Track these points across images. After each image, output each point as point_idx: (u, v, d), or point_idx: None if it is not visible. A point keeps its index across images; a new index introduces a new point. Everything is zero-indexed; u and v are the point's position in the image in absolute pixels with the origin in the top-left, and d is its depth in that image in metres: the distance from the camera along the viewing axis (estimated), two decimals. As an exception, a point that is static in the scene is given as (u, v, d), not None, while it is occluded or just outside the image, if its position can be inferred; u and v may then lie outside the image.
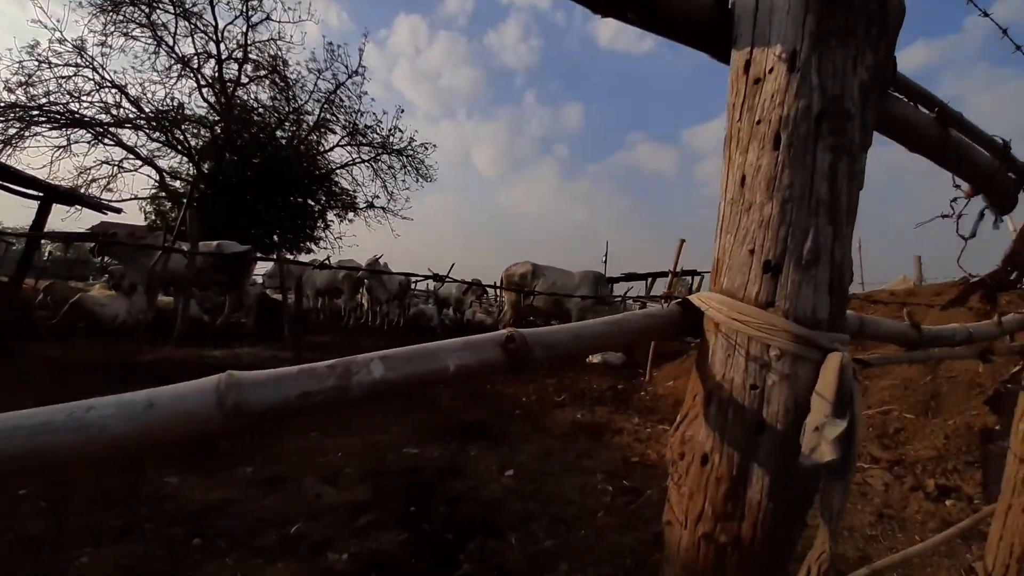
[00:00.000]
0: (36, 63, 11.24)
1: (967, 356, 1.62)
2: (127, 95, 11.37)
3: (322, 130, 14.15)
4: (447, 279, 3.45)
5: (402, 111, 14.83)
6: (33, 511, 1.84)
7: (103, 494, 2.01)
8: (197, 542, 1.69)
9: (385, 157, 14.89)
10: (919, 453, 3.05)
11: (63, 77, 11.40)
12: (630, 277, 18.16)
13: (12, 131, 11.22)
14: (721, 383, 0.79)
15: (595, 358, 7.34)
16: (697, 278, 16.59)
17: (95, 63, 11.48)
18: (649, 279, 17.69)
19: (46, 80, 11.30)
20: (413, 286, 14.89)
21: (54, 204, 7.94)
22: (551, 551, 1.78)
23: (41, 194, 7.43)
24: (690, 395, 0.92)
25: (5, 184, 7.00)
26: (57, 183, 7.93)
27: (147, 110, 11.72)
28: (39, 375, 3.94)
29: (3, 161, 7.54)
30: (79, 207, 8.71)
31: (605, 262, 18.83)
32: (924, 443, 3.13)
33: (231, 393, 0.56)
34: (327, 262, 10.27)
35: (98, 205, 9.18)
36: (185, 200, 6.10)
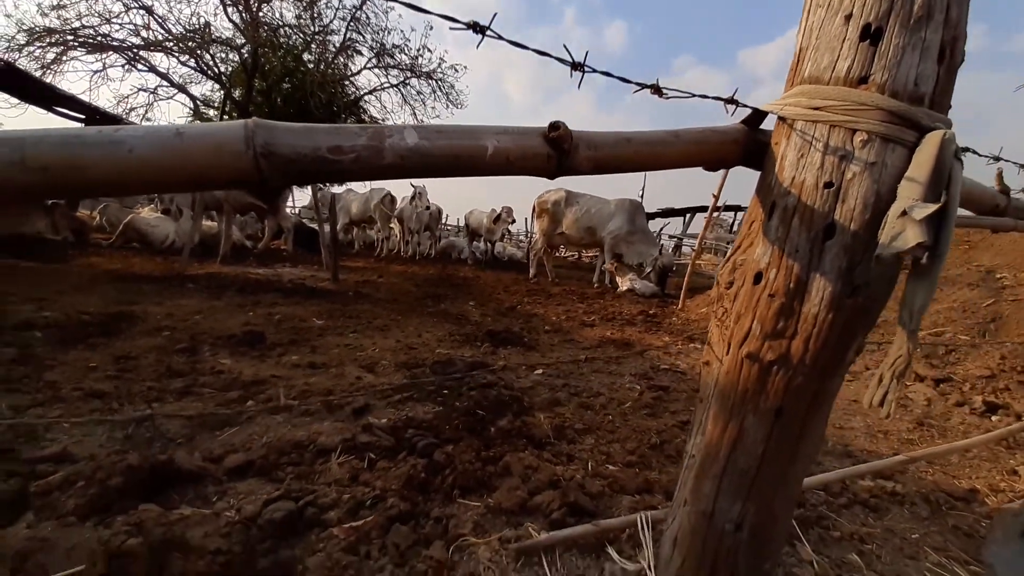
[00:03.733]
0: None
1: (1059, 234, 1.46)
2: (154, 15, 11.14)
3: (349, 52, 13.58)
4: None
5: (431, 28, 13.89)
6: (103, 377, 2.02)
7: (165, 368, 2.18)
8: (251, 404, 1.83)
9: (414, 81, 14.26)
10: (969, 372, 2.90)
11: (92, -1, 11.23)
12: (667, 213, 17.50)
13: (50, 56, 11.33)
14: (789, 190, 0.71)
15: (624, 286, 7.26)
16: (740, 213, 15.82)
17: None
18: (687, 215, 17.03)
19: (76, 2, 11.18)
20: (444, 219, 14.87)
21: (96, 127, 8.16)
22: (578, 428, 1.84)
23: (83, 116, 7.63)
24: (746, 225, 0.84)
25: (49, 106, 7.19)
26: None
27: (175, 31, 11.52)
28: (102, 282, 4.23)
29: (47, 81, 7.68)
30: (121, 131, 8.94)
31: (642, 196, 18.12)
32: (977, 363, 2.98)
33: (260, 132, 0.52)
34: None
35: (138, 129, 9.38)
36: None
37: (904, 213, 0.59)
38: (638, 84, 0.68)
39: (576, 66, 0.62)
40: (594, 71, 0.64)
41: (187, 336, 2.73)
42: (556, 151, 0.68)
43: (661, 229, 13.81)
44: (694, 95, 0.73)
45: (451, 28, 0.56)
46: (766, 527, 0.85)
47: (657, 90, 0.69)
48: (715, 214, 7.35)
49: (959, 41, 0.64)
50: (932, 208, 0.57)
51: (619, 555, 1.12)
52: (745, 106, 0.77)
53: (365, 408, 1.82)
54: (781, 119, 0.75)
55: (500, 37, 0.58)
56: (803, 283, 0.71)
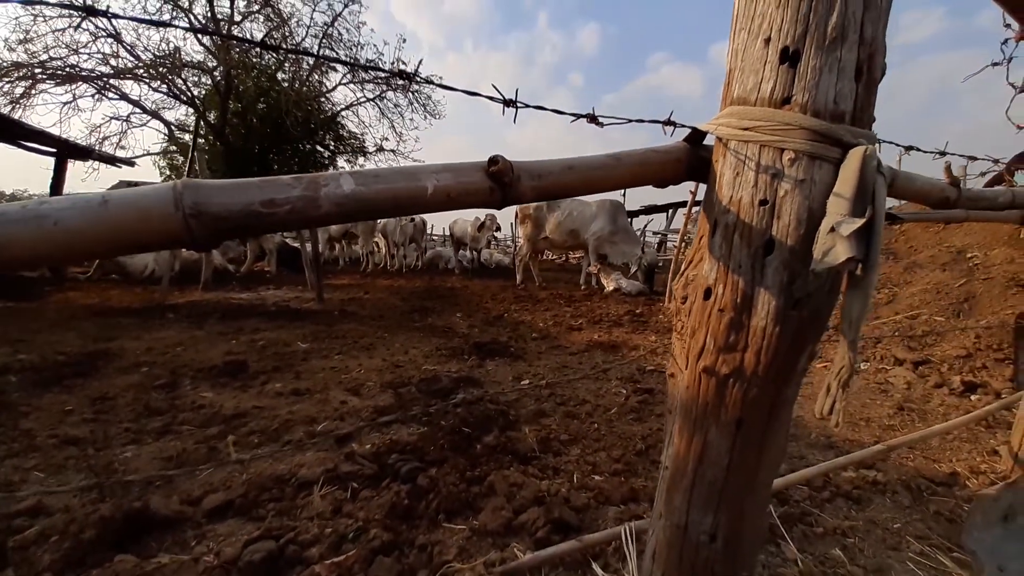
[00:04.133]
0: (32, 18, 10.93)
1: (1008, 220, 1.50)
2: (122, 42, 11.04)
3: (322, 69, 13.59)
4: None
5: (404, 40, 13.97)
6: (79, 421, 1.98)
7: (142, 407, 2.14)
8: (232, 438, 1.81)
9: (390, 94, 14.31)
10: (946, 353, 2.97)
11: (59, 30, 11.11)
12: (650, 210, 17.62)
13: (19, 90, 11.17)
14: (728, 208, 0.73)
15: (611, 286, 7.31)
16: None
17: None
18: (669, 211, 17.18)
19: (43, 35, 11.06)
20: (429, 229, 14.85)
21: (69, 161, 8.04)
22: (564, 439, 1.84)
23: (55, 150, 7.52)
24: (697, 238, 0.86)
25: (19, 141, 7.06)
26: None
27: (144, 57, 11.43)
28: (80, 318, 4.15)
29: (13, 117, 7.54)
30: (95, 162, 8.82)
31: (624, 195, 18.27)
32: (953, 344, 3.04)
33: (188, 193, 0.52)
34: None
35: (112, 159, 9.26)
36: (192, 147, 6.08)
37: (833, 229, 0.61)
38: (574, 115, 0.69)
39: (508, 103, 0.63)
40: (527, 106, 0.65)
41: (167, 371, 2.69)
42: (498, 184, 0.69)
43: (645, 226, 13.90)
44: (630, 120, 0.74)
45: (488, 98, 0.57)
46: (739, 536, 0.86)
47: (593, 119, 0.71)
48: (693, 208, 7.44)
49: (876, 57, 0.67)
50: (858, 223, 0.59)
51: (604, 570, 1.12)
52: (684, 126, 0.79)
53: (349, 436, 1.80)
54: (718, 139, 0.76)
55: (429, 82, 0.58)
56: (749, 298, 0.72)
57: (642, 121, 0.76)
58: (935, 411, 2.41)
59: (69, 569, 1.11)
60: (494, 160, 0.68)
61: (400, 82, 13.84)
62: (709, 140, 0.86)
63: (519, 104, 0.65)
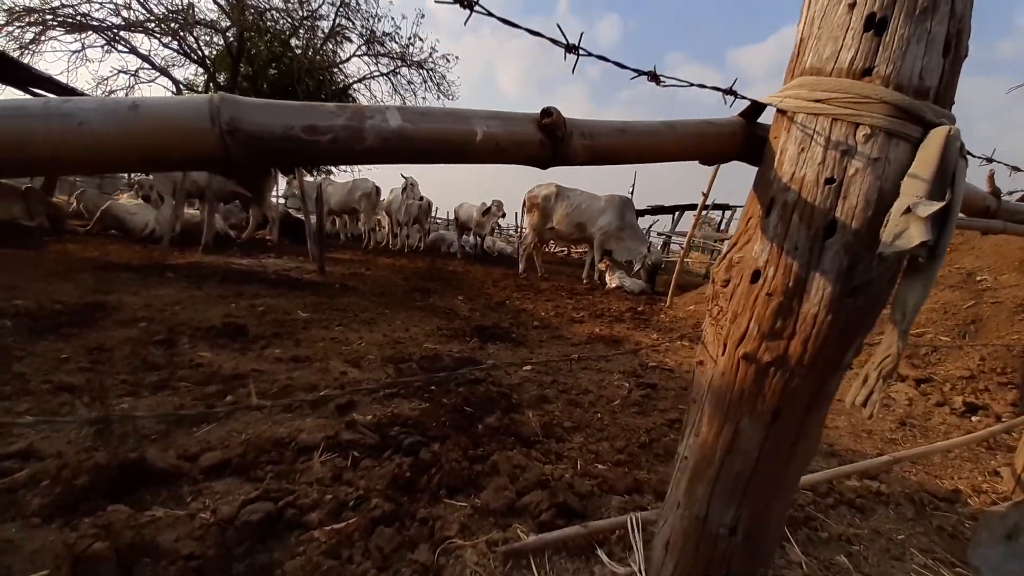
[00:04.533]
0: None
1: (1047, 237, 1.46)
2: (135, -6, 10.78)
3: (338, 38, 13.31)
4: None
5: (422, 16, 13.63)
6: (74, 369, 1.94)
7: (140, 361, 2.10)
8: (230, 398, 1.77)
9: (404, 71, 14.06)
10: (949, 373, 2.95)
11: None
12: (656, 211, 17.57)
13: (29, 36, 10.93)
14: (788, 185, 0.68)
15: (613, 283, 7.27)
16: (729, 212, 15.96)
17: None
18: (676, 213, 17.12)
19: (56, -20, 10.81)
20: (434, 212, 14.73)
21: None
22: (567, 426, 1.81)
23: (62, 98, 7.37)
24: (743, 221, 0.82)
25: (27, 87, 6.92)
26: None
27: (156, 11, 11.16)
28: (78, 270, 4.09)
29: (23, 62, 7.37)
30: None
31: (632, 193, 18.18)
32: (957, 364, 3.03)
33: (226, 107, 0.48)
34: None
35: (118, 114, 9.10)
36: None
37: (908, 210, 0.57)
38: (635, 71, 0.65)
39: (570, 48, 0.59)
40: (589, 54, 0.60)
41: (165, 328, 2.65)
42: (549, 138, 0.65)
43: (650, 226, 13.85)
44: (692, 84, 0.70)
45: (436, 1, 0.52)
46: (760, 531, 0.83)
47: (654, 77, 0.66)
48: (703, 212, 7.39)
49: (963, 34, 0.62)
50: (937, 206, 0.55)
51: (609, 558, 1.10)
52: (744, 98, 0.74)
53: (349, 404, 1.77)
54: (781, 112, 0.72)
55: (490, 14, 0.54)
56: (802, 282, 0.68)
57: (703, 87, 0.71)
58: (936, 428, 2.39)
59: (59, 514, 1.08)
60: (547, 112, 0.63)
61: (417, 59, 13.59)
62: (765, 119, 0.82)
63: (581, 51, 0.60)
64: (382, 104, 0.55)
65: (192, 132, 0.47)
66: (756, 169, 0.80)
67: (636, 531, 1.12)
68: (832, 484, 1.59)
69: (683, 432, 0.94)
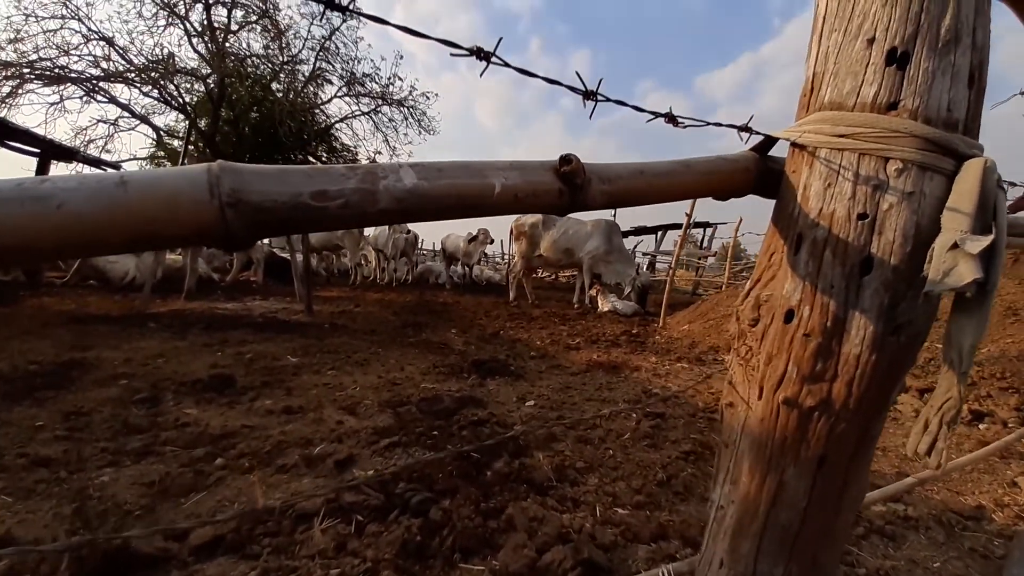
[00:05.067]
0: (23, 17, 10.75)
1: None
2: (115, 46, 10.87)
3: (318, 80, 13.55)
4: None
5: (401, 57, 14.14)
6: (50, 438, 1.81)
7: (121, 424, 1.98)
8: (219, 462, 1.66)
9: (385, 109, 14.31)
10: (951, 381, 2.95)
11: (50, 31, 10.93)
12: (640, 231, 17.84)
13: (6, 89, 10.90)
14: (817, 221, 0.66)
15: (605, 307, 7.26)
16: (710, 229, 16.26)
17: (80, 13, 10.96)
18: (659, 232, 17.40)
19: (34, 35, 10.87)
20: (419, 244, 14.72)
21: (52, 162, 7.78)
22: (579, 467, 1.73)
23: (38, 150, 7.27)
24: (764, 256, 0.79)
25: (3, 140, 6.82)
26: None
27: (136, 62, 11.25)
28: (55, 325, 3.92)
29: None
30: (78, 163, 8.55)
31: (614, 215, 18.47)
32: (956, 371, 3.03)
33: (227, 177, 0.43)
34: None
35: (97, 162, 9.01)
36: (183, 155, 5.92)
37: (955, 246, 0.54)
38: (652, 113, 0.63)
39: (588, 95, 0.56)
40: (607, 99, 0.58)
41: (147, 384, 2.51)
42: (568, 186, 0.61)
43: (635, 247, 14.01)
44: (707, 123, 0.68)
45: (452, 54, 0.49)
46: (810, 588, 0.77)
47: (672, 119, 0.64)
48: (687, 231, 7.51)
49: (985, 65, 0.61)
50: (987, 241, 0.53)
51: (642, 619, 1.01)
52: (759, 133, 0.73)
53: (349, 459, 1.67)
54: (799, 147, 0.70)
55: (506, 64, 0.51)
56: (841, 321, 0.65)
57: (719, 125, 0.69)
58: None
59: (33, 616, 0.96)
60: (567, 159, 0.60)
61: (397, 97, 13.83)
62: (777, 152, 0.80)
63: (600, 97, 0.57)
64: (393, 163, 0.52)
65: (188, 207, 0.42)
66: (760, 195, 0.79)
67: (670, 587, 1.04)
68: (860, 512, 1.53)
69: (715, 477, 0.88)
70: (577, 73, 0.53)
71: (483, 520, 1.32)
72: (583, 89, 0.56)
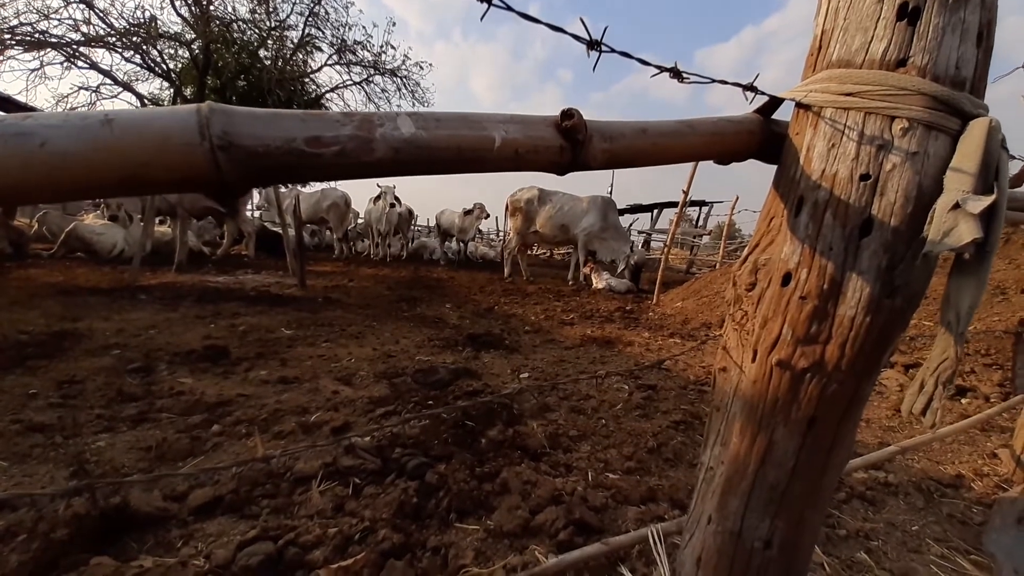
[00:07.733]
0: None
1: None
2: (94, 8, 10.37)
3: (308, 48, 13.09)
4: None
5: (393, 24, 13.53)
6: (44, 405, 1.81)
7: (115, 391, 1.98)
8: (216, 428, 1.67)
9: (378, 79, 13.92)
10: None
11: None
12: (635, 209, 17.77)
13: (-16, 55, 10.45)
14: (819, 183, 0.65)
15: (599, 284, 7.29)
16: (705, 208, 16.22)
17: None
18: (655, 211, 17.34)
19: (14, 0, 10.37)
20: (414, 220, 14.58)
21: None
22: (572, 435, 1.77)
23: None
24: (764, 221, 0.79)
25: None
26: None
27: (117, 25, 10.77)
28: (43, 296, 3.87)
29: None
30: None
31: (610, 193, 18.37)
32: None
33: (217, 119, 0.42)
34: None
35: (79, 131, 8.72)
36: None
37: (956, 206, 0.54)
38: (657, 67, 0.61)
39: (592, 45, 0.54)
40: (612, 51, 0.56)
41: (140, 354, 2.51)
42: (570, 142, 0.60)
43: (630, 225, 13.97)
44: (713, 80, 0.66)
45: (573, 36, 0.47)
46: (796, 542, 0.80)
47: (677, 74, 0.62)
48: (683, 209, 7.48)
49: (993, 24, 0.60)
50: (988, 201, 0.52)
51: (632, 574, 1.05)
52: (765, 93, 0.71)
53: (345, 427, 1.69)
54: (804, 107, 0.69)
55: (509, 8, 0.49)
56: (838, 284, 0.65)
57: (724, 83, 0.67)
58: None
59: (39, 572, 0.98)
60: (568, 113, 0.59)
61: (390, 67, 13.41)
62: (781, 115, 0.79)
63: (604, 48, 0.55)
64: (391, 111, 0.50)
65: (178, 149, 0.40)
66: (760, 163, 0.78)
67: (659, 544, 1.08)
68: (841, 478, 1.58)
69: (705, 440, 0.90)
70: (582, 19, 0.51)
71: (478, 483, 1.35)
72: (587, 38, 0.54)
